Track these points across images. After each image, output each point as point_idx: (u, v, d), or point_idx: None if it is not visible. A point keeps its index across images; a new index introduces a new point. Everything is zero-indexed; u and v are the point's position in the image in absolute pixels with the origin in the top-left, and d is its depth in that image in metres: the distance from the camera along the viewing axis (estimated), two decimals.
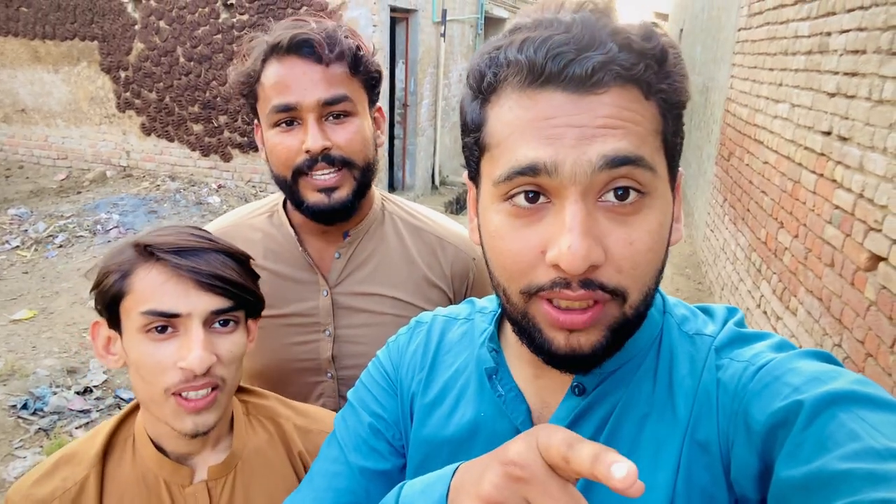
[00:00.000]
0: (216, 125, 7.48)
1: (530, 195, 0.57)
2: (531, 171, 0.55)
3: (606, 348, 0.59)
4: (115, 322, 0.89)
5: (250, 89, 1.13)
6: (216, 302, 0.87)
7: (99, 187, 7.63)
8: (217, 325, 0.88)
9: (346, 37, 1.11)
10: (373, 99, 1.19)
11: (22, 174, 8.23)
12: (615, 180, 0.55)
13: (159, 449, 0.93)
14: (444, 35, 8.57)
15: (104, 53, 7.76)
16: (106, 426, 0.96)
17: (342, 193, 1.13)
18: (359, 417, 0.82)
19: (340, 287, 1.23)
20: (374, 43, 6.55)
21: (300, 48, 1.08)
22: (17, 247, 5.77)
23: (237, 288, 0.89)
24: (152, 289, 0.84)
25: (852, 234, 2.75)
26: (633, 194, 0.56)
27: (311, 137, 1.08)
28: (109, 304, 0.88)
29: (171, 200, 7.02)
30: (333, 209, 1.13)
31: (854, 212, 2.75)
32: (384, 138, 1.24)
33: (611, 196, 0.56)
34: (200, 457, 0.95)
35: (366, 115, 1.16)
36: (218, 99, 7.35)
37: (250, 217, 1.29)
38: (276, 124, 1.11)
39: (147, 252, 0.86)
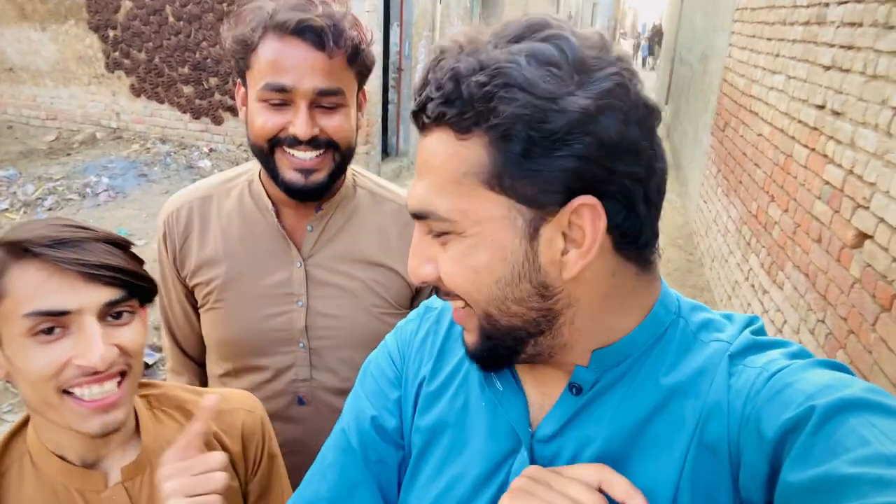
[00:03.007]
0: (207, 87, 7.36)
1: None
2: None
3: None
4: None
5: (244, 55, 1.12)
6: (108, 293, 0.80)
7: (89, 149, 7.54)
8: (109, 318, 0.82)
9: (351, 27, 1.11)
10: (360, 87, 1.20)
11: (10, 134, 8.12)
12: (430, 229, 0.63)
13: (63, 459, 0.87)
14: None
15: (92, 11, 7.59)
16: None
17: (319, 176, 1.15)
18: (363, 408, 0.82)
19: (313, 259, 1.24)
20: (368, 5, 6.42)
21: (304, 33, 1.07)
22: (6, 209, 5.73)
23: (129, 276, 0.83)
24: (33, 288, 0.77)
25: (840, 211, 2.74)
26: (442, 234, 0.62)
27: (301, 124, 1.09)
28: None
29: (162, 164, 6.96)
30: (308, 189, 1.15)
31: (843, 188, 2.74)
32: (364, 120, 1.25)
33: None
34: (110, 460, 0.90)
35: (353, 104, 1.18)
36: (208, 60, 7.22)
37: (227, 184, 1.30)
38: (266, 100, 1.10)
39: (20, 249, 0.78)
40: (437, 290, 0.66)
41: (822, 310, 2.84)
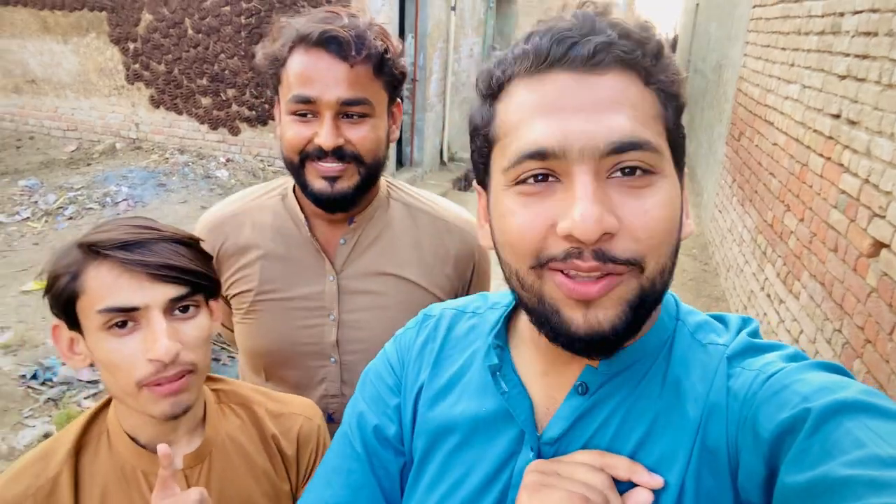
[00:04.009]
0: (224, 98, 7.45)
1: (539, 177, 0.59)
2: (539, 155, 0.57)
3: (626, 325, 0.59)
4: (74, 323, 0.88)
5: (275, 72, 1.15)
6: (172, 291, 0.87)
7: (108, 159, 7.65)
8: (177, 312, 0.88)
9: (376, 38, 1.12)
10: (393, 97, 1.20)
11: (32, 145, 8.26)
12: (622, 161, 0.57)
13: (135, 441, 0.94)
14: (454, 8, 8.46)
15: (113, 24, 7.72)
16: (75, 424, 0.97)
17: (344, 184, 1.15)
18: (364, 414, 0.82)
19: (346, 272, 1.24)
20: (383, 17, 6.48)
21: (328, 43, 1.09)
22: (28, 218, 5.82)
23: (190, 274, 0.89)
24: (106, 286, 0.84)
25: (857, 220, 2.73)
26: (640, 172, 0.57)
27: (325, 134, 1.10)
28: (65, 307, 0.87)
29: (180, 174, 7.04)
30: (335, 198, 1.15)
31: (859, 197, 2.73)
32: (398, 133, 1.26)
33: (618, 174, 0.57)
34: (176, 446, 0.95)
35: (383, 115, 1.17)
36: (226, 72, 7.32)
37: (261, 198, 1.30)
38: (294, 112, 1.12)
39: (93, 251, 0.85)
40: (599, 252, 0.56)
41: (838, 319, 2.82)
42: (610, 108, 0.56)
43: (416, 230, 1.28)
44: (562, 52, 0.57)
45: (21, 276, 4.68)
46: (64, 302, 0.86)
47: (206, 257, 0.95)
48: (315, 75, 1.09)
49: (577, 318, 0.58)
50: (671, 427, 0.63)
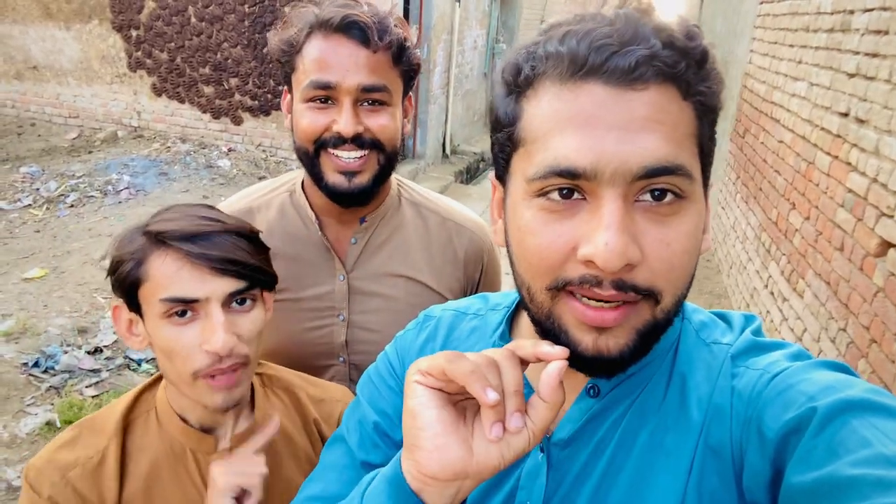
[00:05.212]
0: (227, 88, 7.42)
1: (564, 192, 0.56)
2: (569, 174, 0.55)
3: (634, 352, 0.58)
4: (134, 305, 0.91)
5: (289, 58, 1.12)
6: (232, 284, 0.89)
7: (110, 147, 7.62)
8: (235, 304, 0.91)
9: (396, 26, 1.11)
10: (407, 89, 1.19)
11: (34, 132, 8.23)
12: (653, 185, 0.55)
13: (184, 421, 0.97)
14: (459, 0, 8.42)
15: (115, 11, 7.68)
16: (122, 400, 1.00)
17: (363, 178, 1.13)
18: (365, 414, 0.82)
19: (356, 272, 1.22)
20: (388, 8, 6.43)
21: (350, 29, 1.07)
22: (29, 205, 5.81)
23: (250, 269, 0.91)
24: (169, 276, 0.86)
25: (864, 219, 2.72)
26: (669, 196, 0.55)
27: (345, 121, 1.08)
28: (128, 291, 0.90)
29: (182, 163, 7.02)
30: (352, 193, 1.13)
31: (867, 196, 2.72)
32: (409, 127, 1.24)
33: (647, 196, 0.55)
34: (224, 427, 0.99)
35: (399, 106, 1.16)
36: (229, 61, 7.28)
37: (268, 195, 1.28)
38: (311, 99, 1.10)
39: (158, 240, 0.88)
40: (619, 282, 0.54)
41: (843, 318, 2.82)
42: (646, 127, 0.53)
43: (427, 231, 1.27)
44: (600, 62, 0.53)
45: (22, 263, 4.67)
46: (127, 286, 0.89)
47: (264, 249, 0.97)
48: (335, 60, 1.07)
49: (587, 341, 0.58)
50: (675, 428, 0.62)
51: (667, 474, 0.61)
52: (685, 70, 0.55)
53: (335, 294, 1.22)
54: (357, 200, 1.16)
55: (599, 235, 0.53)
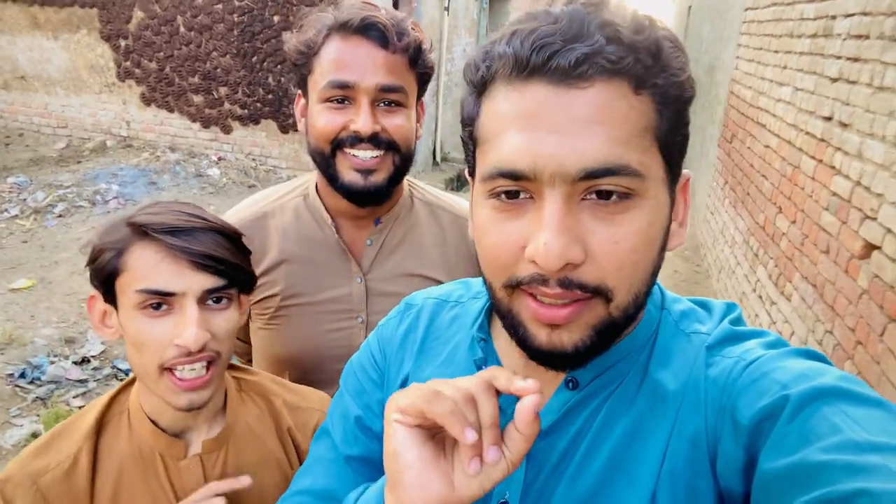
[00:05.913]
0: (216, 97, 7.42)
1: (511, 192, 0.57)
2: (512, 175, 0.55)
3: (590, 348, 0.59)
4: (110, 296, 0.91)
5: (306, 60, 1.13)
6: (210, 281, 0.89)
7: (99, 157, 7.60)
8: (210, 302, 0.91)
9: (413, 29, 1.13)
10: (420, 93, 1.20)
11: (22, 142, 8.19)
12: (597, 186, 0.54)
13: (155, 424, 0.96)
14: (447, 8, 8.45)
15: (104, 21, 7.67)
16: (99, 402, 0.99)
17: (378, 177, 1.13)
18: (347, 407, 0.82)
19: (373, 273, 1.23)
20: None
21: (369, 30, 1.08)
22: (17, 216, 5.77)
23: (230, 267, 0.91)
24: (147, 268, 0.86)
25: (848, 222, 2.74)
26: (615, 196, 0.55)
27: (363, 120, 1.08)
28: (105, 281, 0.90)
29: (171, 172, 7.00)
30: (368, 191, 1.13)
31: (851, 199, 2.74)
32: (422, 131, 1.25)
33: (594, 195, 0.55)
34: (195, 432, 0.98)
35: (413, 108, 1.17)
36: (218, 70, 7.28)
37: (282, 199, 1.27)
38: (328, 99, 1.11)
39: (141, 231, 0.88)
40: (565, 280, 0.55)
41: (829, 321, 2.84)
42: (586, 128, 0.53)
43: (440, 230, 1.28)
44: (542, 62, 0.53)
45: (9, 273, 4.64)
46: (105, 276, 0.89)
47: (245, 251, 0.98)
48: (353, 61, 1.08)
49: (541, 336, 0.59)
50: (650, 417, 0.63)
51: (641, 462, 0.62)
52: (633, 64, 0.54)
53: (353, 296, 1.21)
54: (373, 199, 1.16)
55: (540, 235, 0.54)
